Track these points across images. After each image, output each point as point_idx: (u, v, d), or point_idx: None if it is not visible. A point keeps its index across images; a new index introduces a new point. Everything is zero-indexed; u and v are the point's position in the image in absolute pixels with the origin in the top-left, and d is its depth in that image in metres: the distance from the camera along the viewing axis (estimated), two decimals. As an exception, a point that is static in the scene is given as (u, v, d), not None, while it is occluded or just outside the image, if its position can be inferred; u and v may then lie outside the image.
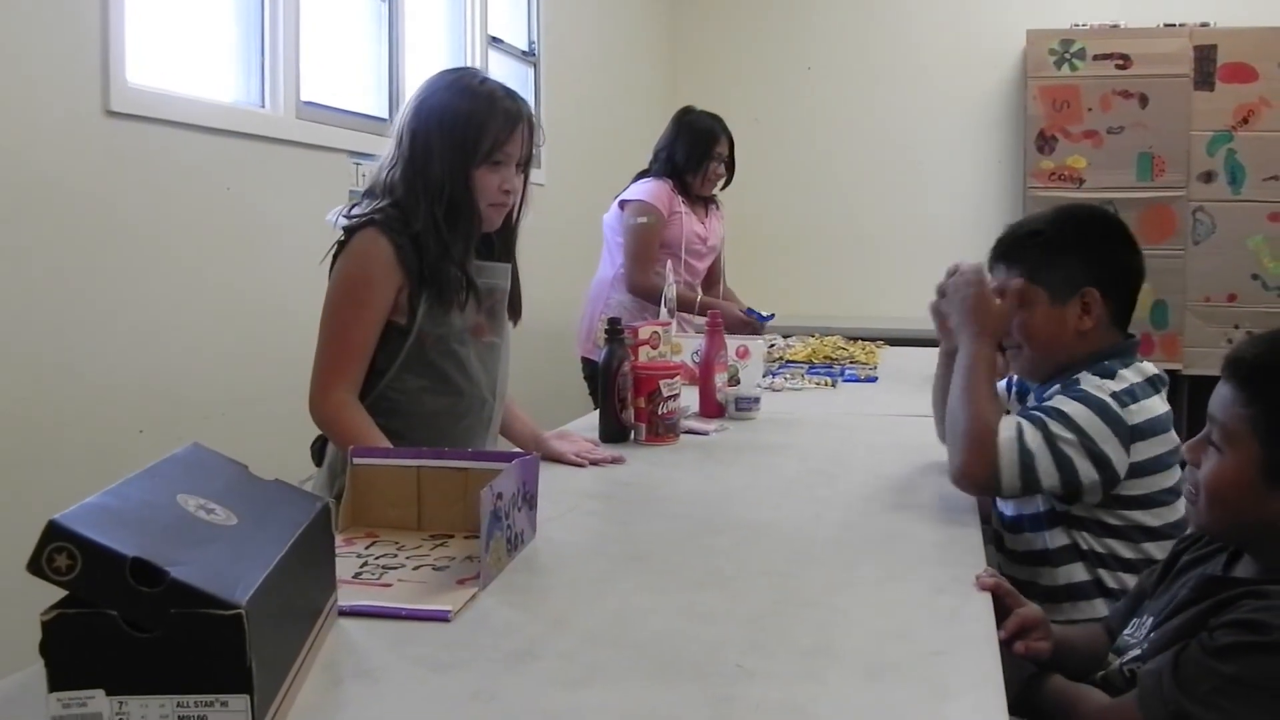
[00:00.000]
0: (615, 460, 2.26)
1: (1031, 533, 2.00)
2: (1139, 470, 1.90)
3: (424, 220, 2.03)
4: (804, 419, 2.87)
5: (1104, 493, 1.88)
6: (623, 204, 4.13)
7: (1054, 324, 2.04)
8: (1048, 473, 1.85)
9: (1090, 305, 2.01)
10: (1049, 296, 2.04)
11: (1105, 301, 2.02)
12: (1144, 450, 1.90)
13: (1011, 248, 2.11)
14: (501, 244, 2.22)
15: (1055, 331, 2.04)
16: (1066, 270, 2.03)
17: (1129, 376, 1.96)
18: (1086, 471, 1.85)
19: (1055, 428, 1.86)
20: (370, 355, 2.05)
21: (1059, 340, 2.04)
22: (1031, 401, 2.10)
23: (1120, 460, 1.87)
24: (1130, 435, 1.88)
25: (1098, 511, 1.91)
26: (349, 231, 2.05)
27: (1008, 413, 2.16)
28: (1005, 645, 1.48)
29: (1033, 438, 1.86)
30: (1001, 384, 2.38)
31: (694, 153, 4.12)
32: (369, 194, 2.10)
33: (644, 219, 4.02)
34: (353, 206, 2.10)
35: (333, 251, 2.08)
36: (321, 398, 2.01)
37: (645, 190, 4.10)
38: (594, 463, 2.23)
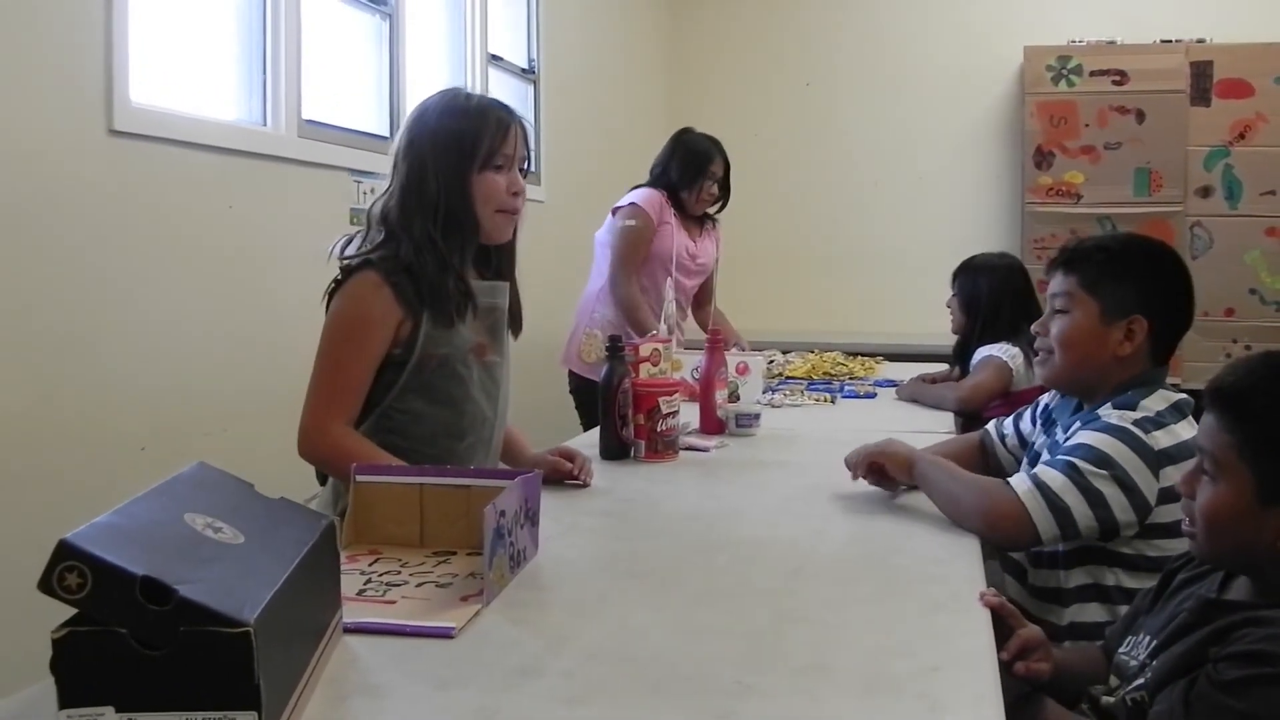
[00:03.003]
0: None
1: (1050, 569, 2.01)
2: (1169, 496, 1.86)
3: (420, 236, 2.04)
4: (803, 435, 2.88)
5: (1139, 523, 1.87)
6: (614, 211, 4.14)
7: (1093, 340, 2.04)
8: (1083, 514, 1.83)
9: (1135, 333, 2.01)
10: (1099, 310, 2.04)
11: (1150, 333, 2.02)
12: (1173, 475, 1.86)
13: (1075, 255, 2.11)
14: (500, 262, 2.23)
15: (1092, 348, 2.04)
16: (1122, 292, 2.03)
17: (1152, 405, 1.95)
18: (1119, 503, 1.84)
19: (1084, 465, 1.85)
20: (366, 393, 2.06)
21: (1093, 357, 2.05)
22: (1058, 434, 2.11)
23: (1150, 487, 1.86)
24: (1158, 460, 1.87)
25: (1136, 544, 1.90)
26: (345, 271, 2.06)
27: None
28: (1005, 666, 1.49)
29: (1056, 480, 1.85)
30: (1025, 416, 2.40)
31: (688, 171, 4.12)
32: (366, 227, 2.11)
33: (631, 222, 4.03)
34: (349, 243, 2.11)
35: (329, 289, 2.08)
36: (317, 434, 2.01)
37: (636, 195, 4.11)
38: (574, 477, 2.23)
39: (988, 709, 1.17)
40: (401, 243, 2.04)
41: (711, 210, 4.32)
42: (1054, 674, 1.63)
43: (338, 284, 2.06)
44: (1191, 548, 1.56)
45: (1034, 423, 2.34)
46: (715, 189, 4.20)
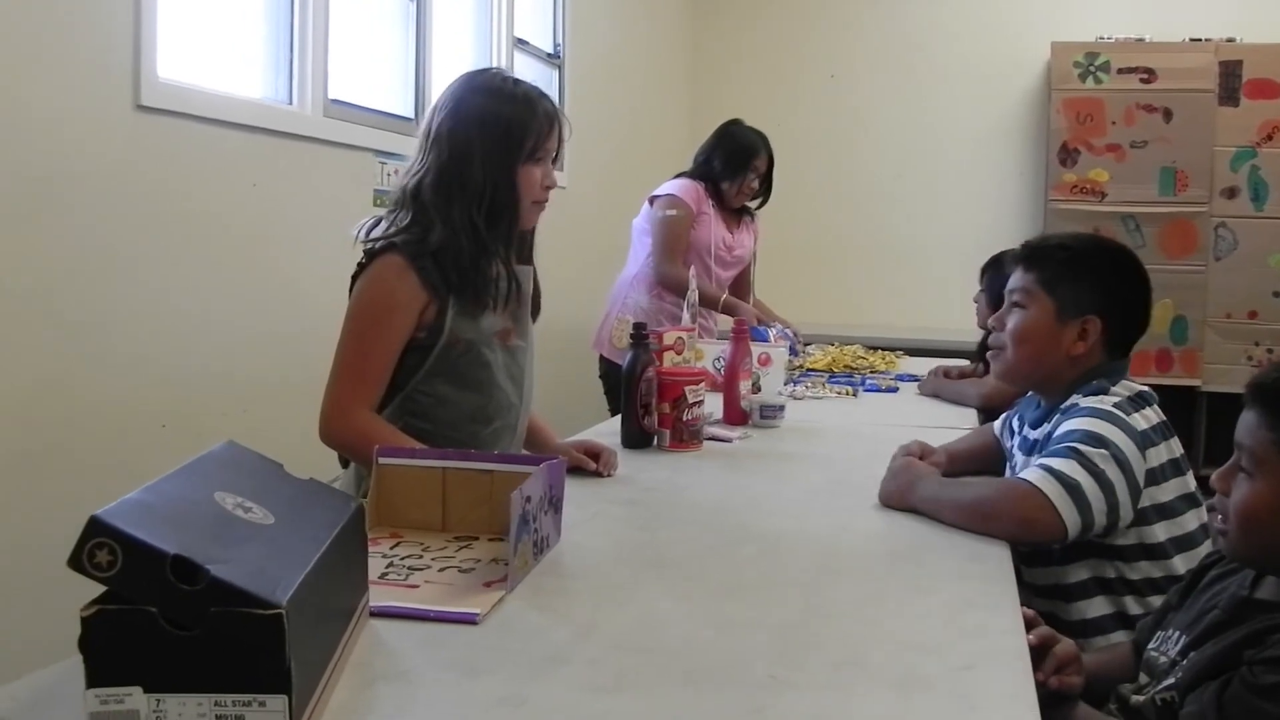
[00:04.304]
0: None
1: (1048, 567, 2.00)
2: (1156, 477, 1.91)
3: (460, 222, 2.03)
4: (826, 428, 2.86)
5: (1134, 506, 1.86)
6: (652, 199, 4.14)
7: (1047, 337, 2.07)
8: (1095, 496, 1.79)
9: (1088, 333, 2.04)
10: (1055, 309, 2.06)
11: (1103, 333, 2.04)
12: (1155, 456, 1.92)
13: (1036, 253, 2.15)
14: (522, 247, 2.22)
15: (1046, 345, 2.07)
16: (1079, 292, 2.05)
17: (1119, 392, 1.99)
18: (1121, 486, 1.83)
19: (1083, 447, 1.83)
20: (389, 377, 2.04)
21: (1046, 355, 2.08)
22: (1027, 430, 2.14)
23: (1139, 466, 1.87)
24: (1144, 440, 1.90)
25: (1129, 533, 1.90)
26: (369, 254, 2.05)
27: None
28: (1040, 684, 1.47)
29: (1067, 466, 1.81)
30: (997, 423, 2.40)
31: (731, 163, 4.12)
32: (393, 204, 2.10)
33: (672, 212, 4.04)
34: (376, 224, 2.09)
35: (354, 271, 2.07)
36: (339, 418, 2.00)
37: (675, 185, 4.12)
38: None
39: (1023, 709, 1.15)
40: (434, 225, 2.03)
41: (751, 205, 4.32)
42: (1085, 682, 1.62)
43: (361, 267, 2.05)
44: (1222, 546, 1.55)
45: (1008, 429, 2.35)
46: (756, 184, 4.19)
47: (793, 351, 4.03)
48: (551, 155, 2.15)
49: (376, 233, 2.07)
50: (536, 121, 2.09)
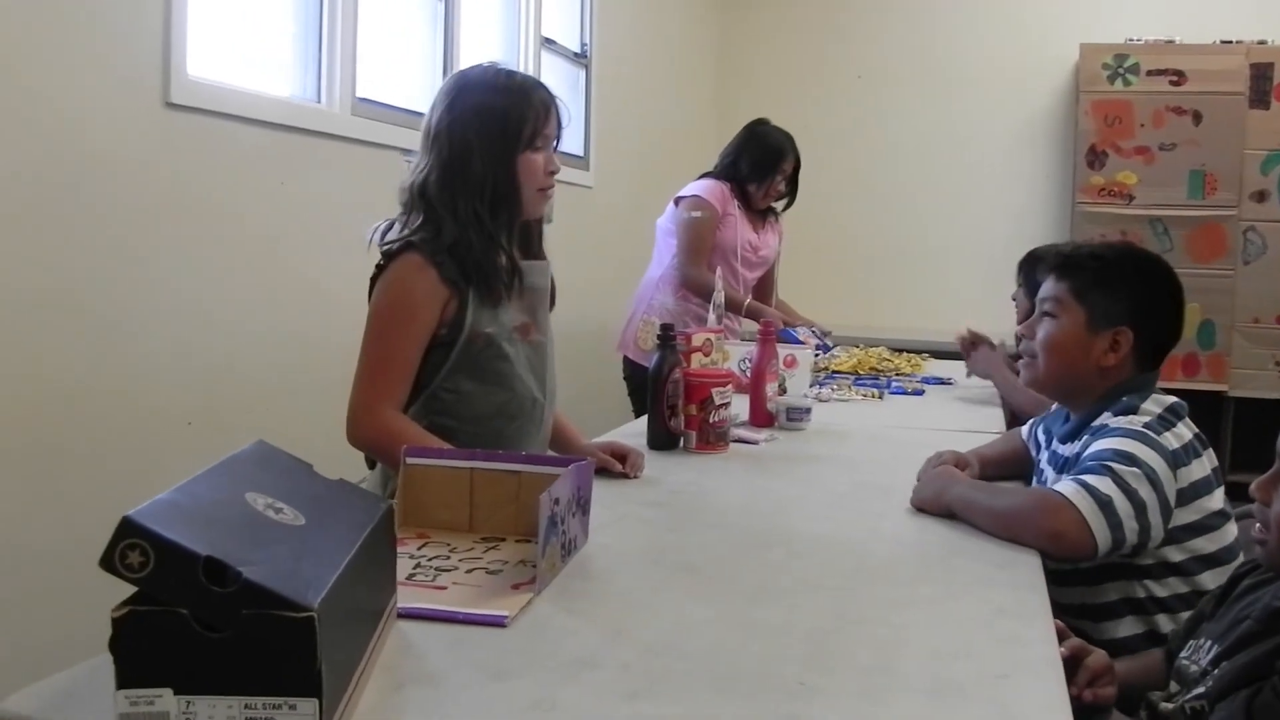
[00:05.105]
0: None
1: (1076, 586, 1.98)
2: (1187, 496, 1.89)
3: (465, 215, 2.04)
4: (852, 431, 2.85)
5: (1164, 526, 1.84)
6: (677, 200, 4.12)
7: (1078, 348, 2.05)
8: (1126, 514, 1.76)
9: (1120, 344, 2.03)
10: (1086, 319, 2.04)
11: (1135, 345, 2.02)
12: (1185, 476, 1.89)
13: (1069, 262, 2.13)
14: (529, 238, 2.23)
15: (1076, 355, 2.06)
16: (1110, 302, 2.04)
17: (1150, 409, 1.96)
18: (1153, 505, 1.80)
19: (1115, 465, 1.81)
20: (413, 376, 2.05)
21: (1076, 365, 2.06)
22: (1055, 445, 2.13)
23: (1171, 486, 1.85)
24: (1174, 460, 1.87)
25: (1157, 552, 1.88)
26: (387, 255, 2.05)
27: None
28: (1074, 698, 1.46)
29: (1101, 483, 1.78)
30: (1024, 429, 2.38)
31: (759, 165, 4.10)
32: (402, 206, 2.11)
33: (698, 213, 4.02)
34: (389, 228, 2.10)
35: (372, 274, 2.07)
36: (367, 419, 2.00)
37: (701, 187, 4.10)
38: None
39: (1058, 719, 1.14)
40: (444, 221, 2.04)
41: (777, 206, 4.30)
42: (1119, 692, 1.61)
43: (379, 269, 2.05)
44: (1261, 555, 1.53)
45: (1034, 440, 2.33)
46: (783, 186, 4.17)
47: (824, 347, 4.03)
48: (551, 142, 2.15)
49: (391, 235, 2.08)
50: (532, 110, 2.10)
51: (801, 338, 3.69)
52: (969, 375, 3.61)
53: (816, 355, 3.89)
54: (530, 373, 2.15)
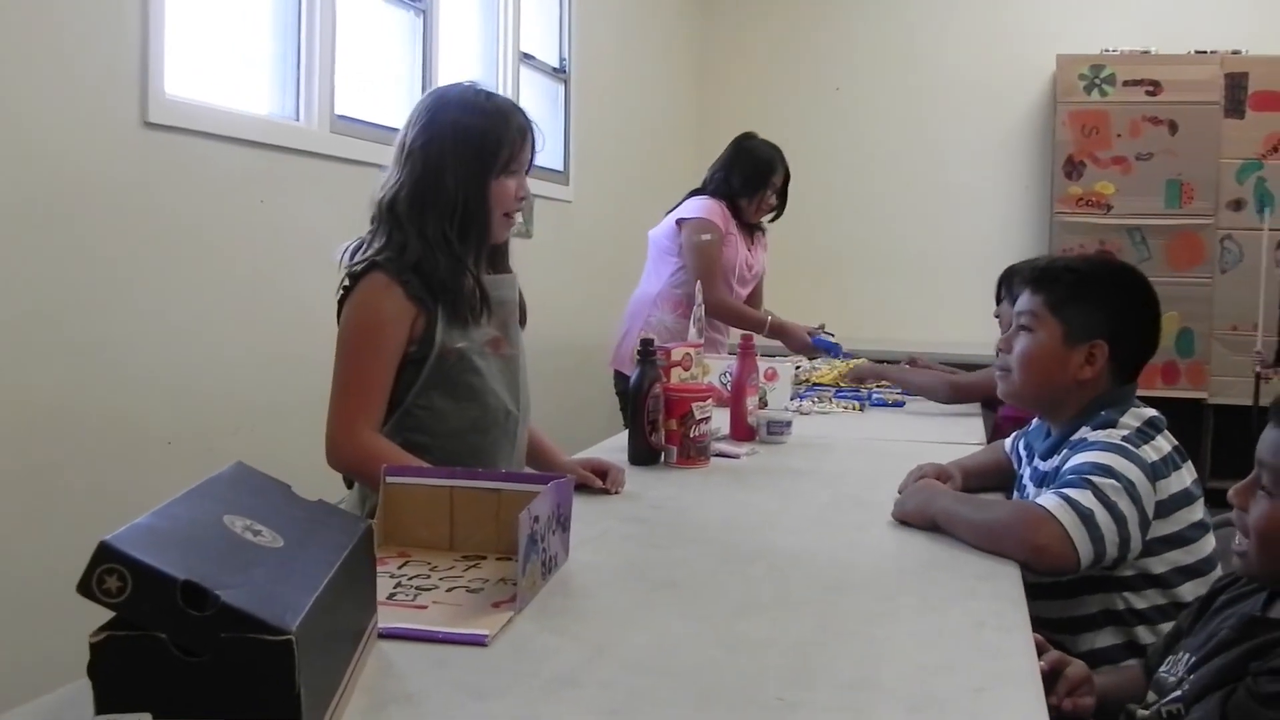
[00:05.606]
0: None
1: (1057, 600, 1.98)
2: (1167, 508, 1.89)
3: (434, 235, 2.03)
4: (833, 443, 2.85)
5: (1143, 539, 1.85)
6: (680, 221, 4.06)
7: (1054, 361, 2.06)
8: (1108, 527, 1.77)
9: (1096, 357, 2.03)
10: (1063, 333, 2.05)
11: (1111, 358, 2.03)
12: (1164, 488, 1.90)
13: (1045, 274, 2.12)
14: (497, 256, 2.22)
15: (1052, 369, 2.06)
16: (1087, 316, 2.04)
17: (1129, 423, 1.97)
18: (1132, 518, 1.81)
19: (1095, 478, 1.81)
20: (388, 396, 2.04)
21: (1053, 379, 2.06)
22: (1037, 461, 2.13)
23: (1150, 499, 1.86)
24: (1153, 472, 1.88)
25: (1136, 564, 1.89)
26: (353, 277, 2.04)
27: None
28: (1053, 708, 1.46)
29: (1082, 496, 1.79)
30: (1008, 441, 2.39)
31: (750, 179, 4.08)
32: (371, 222, 2.10)
33: (707, 236, 3.98)
34: (357, 248, 2.09)
35: (339, 296, 2.07)
36: (347, 441, 1.99)
37: (703, 208, 4.05)
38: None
39: (1037, 733, 1.14)
40: (409, 239, 2.03)
41: (766, 220, 4.29)
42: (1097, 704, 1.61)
43: (346, 290, 2.05)
44: (1238, 565, 1.53)
45: (1016, 454, 2.34)
46: (774, 199, 4.16)
47: (839, 354, 4.05)
48: (525, 167, 2.15)
49: (358, 256, 2.07)
50: (510, 134, 2.09)
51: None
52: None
53: (841, 359, 4.02)
54: (503, 386, 2.15)
